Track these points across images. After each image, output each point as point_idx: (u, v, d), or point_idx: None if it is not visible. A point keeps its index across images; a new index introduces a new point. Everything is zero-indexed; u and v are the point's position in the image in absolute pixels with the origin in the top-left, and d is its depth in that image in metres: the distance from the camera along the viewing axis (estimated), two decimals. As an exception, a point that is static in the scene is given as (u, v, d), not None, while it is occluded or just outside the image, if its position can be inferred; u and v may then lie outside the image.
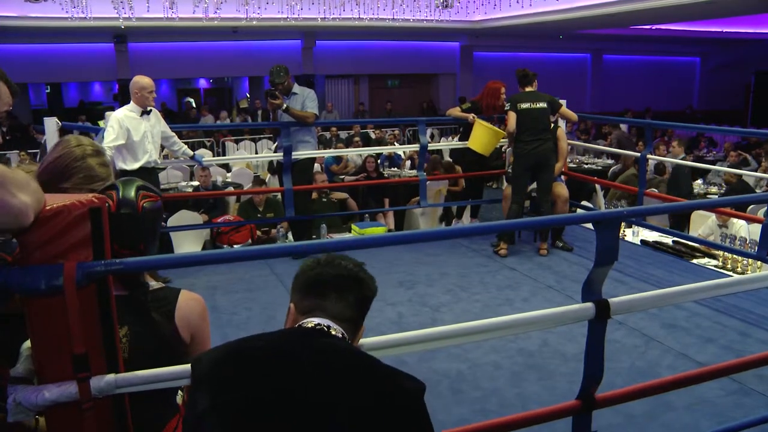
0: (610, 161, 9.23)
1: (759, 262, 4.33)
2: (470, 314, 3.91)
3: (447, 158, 8.25)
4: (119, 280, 1.60)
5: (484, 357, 3.37)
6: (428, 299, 4.22)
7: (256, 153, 11.51)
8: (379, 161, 8.42)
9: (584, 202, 6.55)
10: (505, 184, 5.77)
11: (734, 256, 4.59)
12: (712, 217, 5.34)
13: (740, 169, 7.74)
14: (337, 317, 1.29)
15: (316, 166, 6.79)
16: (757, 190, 7.36)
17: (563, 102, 5.32)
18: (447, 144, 9.19)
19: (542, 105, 5.07)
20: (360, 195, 7.35)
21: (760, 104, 18.19)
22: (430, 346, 2.08)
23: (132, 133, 4.38)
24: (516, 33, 15.53)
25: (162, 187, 6.83)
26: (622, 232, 5.48)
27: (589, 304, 1.96)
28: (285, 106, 4.95)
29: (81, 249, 1.38)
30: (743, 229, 5.01)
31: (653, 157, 5.93)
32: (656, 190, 6.51)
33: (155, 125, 4.55)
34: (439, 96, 17.85)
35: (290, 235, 5.73)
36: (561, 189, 5.31)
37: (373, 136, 11.87)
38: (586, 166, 9.17)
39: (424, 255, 5.08)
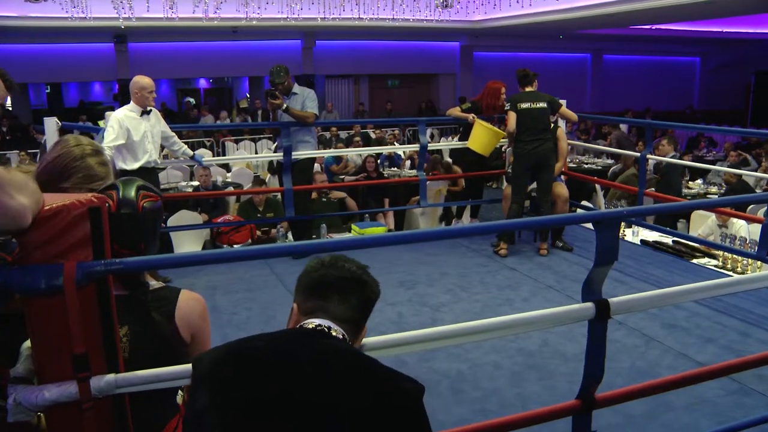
0: (610, 161, 9.23)
1: (759, 262, 4.33)
2: (470, 314, 3.91)
3: (447, 158, 8.25)
4: (119, 280, 1.60)
5: (484, 357, 3.37)
6: (428, 299, 4.22)
7: (256, 153, 11.51)
8: (379, 161, 8.42)
9: (584, 202, 6.55)
10: (505, 184, 5.77)
11: (734, 256, 4.59)
12: (712, 217, 5.34)
13: (740, 169, 7.74)
14: (339, 319, 1.29)
15: (316, 166, 6.79)
16: (757, 190, 7.36)
17: (563, 102, 5.32)
18: (447, 144, 9.19)
19: (542, 105, 5.07)
20: (360, 195, 7.34)
21: (760, 104, 18.18)
22: (430, 346, 2.08)
23: (132, 133, 4.38)
24: (516, 33, 15.53)
25: (162, 187, 6.83)
26: (622, 232, 5.48)
27: (589, 304, 1.96)
28: (285, 106, 4.96)
29: (81, 249, 1.38)
30: (743, 229, 5.01)
31: (653, 157, 5.92)
32: (653, 189, 6.50)
33: (155, 125, 4.55)
34: (439, 96, 17.85)
35: (290, 235, 5.73)
36: (561, 189, 5.31)
37: (373, 136, 11.87)
38: (586, 166, 9.17)
39: (424, 255, 5.08)
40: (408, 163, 9.14)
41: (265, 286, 4.48)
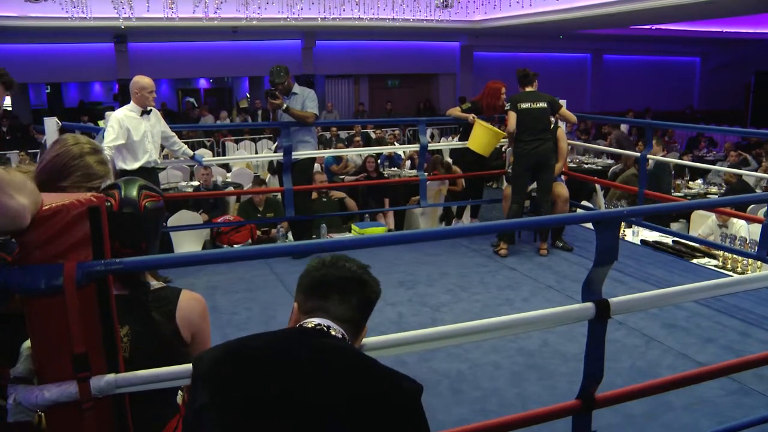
0: (610, 161, 9.23)
1: (759, 262, 4.33)
2: (470, 314, 3.91)
3: (447, 158, 8.25)
4: (120, 280, 1.60)
5: (484, 357, 3.37)
6: (428, 299, 4.22)
7: (256, 153, 11.51)
8: (379, 161, 8.41)
9: (584, 202, 6.55)
10: (505, 184, 5.77)
11: (734, 256, 4.59)
12: (712, 217, 5.34)
13: (740, 169, 7.74)
14: (338, 318, 1.29)
15: (316, 166, 6.79)
16: (757, 190, 7.36)
17: (563, 102, 5.32)
18: (447, 144, 9.18)
19: (542, 105, 5.07)
20: (360, 195, 7.34)
21: (760, 104, 18.18)
22: (430, 346, 2.08)
23: (132, 132, 4.38)
24: (516, 33, 15.53)
25: (162, 187, 6.83)
26: (622, 232, 5.48)
27: (589, 304, 1.96)
28: (285, 106, 4.95)
29: (80, 248, 1.38)
30: (743, 229, 5.01)
31: (653, 157, 5.93)
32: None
33: (155, 125, 4.55)
34: (439, 96, 17.85)
35: (290, 235, 5.73)
36: (561, 189, 5.31)
37: (373, 136, 11.87)
38: (586, 166, 9.17)
39: (424, 255, 5.08)
40: (408, 163, 9.14)
41: (265, 286, 4.48)
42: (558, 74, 16.60)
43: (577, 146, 9.82)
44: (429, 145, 6.04)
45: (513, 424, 2.00)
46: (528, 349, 3.46)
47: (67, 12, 10.50)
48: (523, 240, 5.57)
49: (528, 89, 5.15)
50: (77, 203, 1.37)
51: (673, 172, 7.97)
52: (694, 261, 4.89)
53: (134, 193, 1.61)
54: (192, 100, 17.91)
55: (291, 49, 15.50)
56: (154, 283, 1.69)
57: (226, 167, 8.85)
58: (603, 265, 1.96)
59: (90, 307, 1.41)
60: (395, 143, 11.99)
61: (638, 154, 5.52)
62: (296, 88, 5.14)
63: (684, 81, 20.23)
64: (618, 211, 2.27)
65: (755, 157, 9.54)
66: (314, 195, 6.01)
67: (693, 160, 9.24)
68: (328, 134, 11.38)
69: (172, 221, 5.75)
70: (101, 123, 5.41)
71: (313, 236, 5.41)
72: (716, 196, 7.23)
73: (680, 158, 9.07)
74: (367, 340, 1.68)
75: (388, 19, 12.57)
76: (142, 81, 4.45)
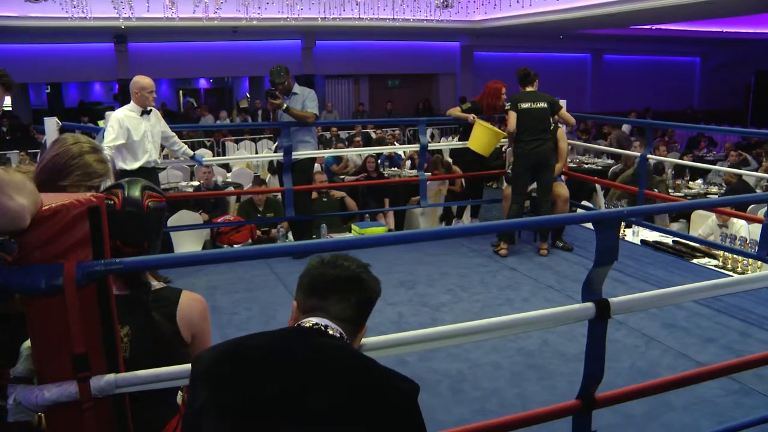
0: (610, 161, 9.23)
1: (759, 262, 4.33)
2: (470, 314, 3.91)
3: (447, 158, 8.25)
4: (121, 280, 1.60)
5: (484, 357, 3.37)
6: (428, 299, 4.22)
7: (256, 153, 11.50)
8: (379, 161, 8.41)
9: (584, 202, 6.55)
10: (505, 184, 5.77)
11: (734, 256, 4.59)
12: (712, 217, 5.34)
13: (740, 169, 7.74)
14: (337, 317, 1.29)
15: (316, 166, 6.79)
16: (757, 190, 7.36)
17: (563, 103, 5.31)
18: (447, 144, 9.18)
19: (543, 105, 5.07)
20: (360, 195, 7.34)
21: (760, 104, 18.17)
22: (430, 346, 2.08)
23: (132, 132, 4.38)
24: (516, 33, 15.53)
25: (162, 187, 6.82)
26: (622, 232, 5.48)
27: (590, 304, 1.96)
28: (285, 106, 4.95)
29: (80, 248, 1.38)
30: (743, 229, 5.01)
31: (653, 156, 5.93)
32: (656, 190, 6.51)
33: (155, 125, 4.55)
34: (439, 96, 17.85)
35: (290, 235, 5.73)
36: (561, 189, 5.31)
37: (373, 135, 11.87)
38: (586, 166, 9.16)
39: (424, 255, 5.08)
40: (408, 163, 9.14)
41: (265, 286, 4.48)
42: (558, 74, 16.59)
43: (577, 146, 9.82)
44: (429, 145, 6.04)
45: (513, 424, 2.00)
46: (528, 349, 3.46)
47: (67, 12, 10.49)
48: (523, 240, 5.57)
49: (528, 89, 5.15)
50: (77, 203, 1.37)
51: (673, 173, 7.98)
52: (694, 261, 4.89)
53: (137, 193, 1.61)
54: (191, 100, 17.91)
55: (291, 49, 15.50)
56: (155, 284, 1.69)
57: (226, 167, 8.84)
58: (603, 265, 1.96)
59: (90, 307, 1.41)
60: (395, 143, 11.99)
61: (638, 154, 5.52)
62: (296, 88, 5.14)
63: (684, 81, 20.23)
64: (618, 211, 2.27)
65: (755, 157, 9.53)
66: (314, 195, 6.01)
67: (693, 160, 9.24)
68: (328, 134, 11.38)
69: (172, 221, 5.75)
70: (101, 123, 5.41)
71: (313, 236, 5.41)
72: (716, 196, 7.23)
73: (680, 158, 9.07)
74: (367, 340, 1.68)
75: (388, 19, 12.57)
76: (142, 81, 4.45)
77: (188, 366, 1.42)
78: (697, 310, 3.93)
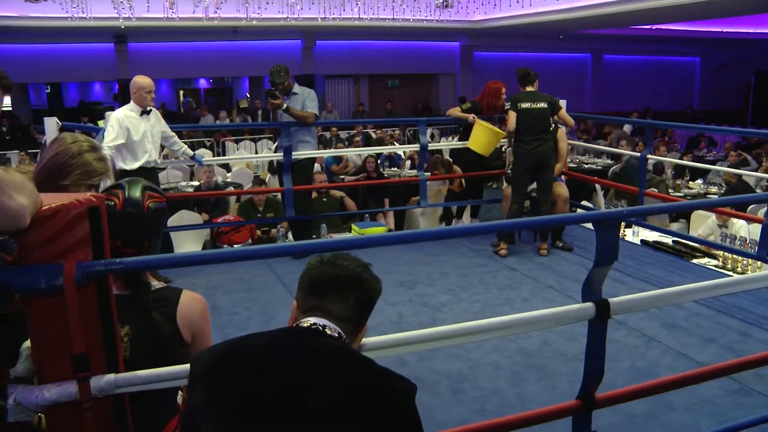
0: (610, 161, 9.23)
1: (759, 262, 4.33)
2: (470, 314, 3.91)
3: (447, 158, 8.24)
4: (122, 280, 1.60)
5: (484, 357, 3.37)
6: (428, 299, 4.22)
7: (256, 153, 11.50)
8: (379, 161, 8.41)
9: (584, 202, 6.55)
10: (505, 184, 5.77)
11: (734, 256, 4.59)
12: (712, 217, 5.34)
13: (740, 169, 7.74)
14: (336, 317, 1.28)
15: (316, 166, 6.79)
16: (758, 190, 7.36)
17: (563, 103, 5.31)
18: (447, 144, 9.18)
19: (543, 105, 5.07)
20: (360, 195, 7.34)
21: (760, 104, 18.17)
22: (430, 346, 2.08)
23: (132, 132, 4.38)
24: (516, 33, 15.53)
25: (162, 187, 6.82)
26: (622, 232, 5.48)
27: (590, 304, 1.96)
28: (285, 106, 4.95)
29: (80, 248, 1.38)
30: (743, 229, 5.01)
31: (653, 156, 5.93)
32: (656, 190, 6.52)
33: (155, 125, 4.56)
34: (439, 96, 17.84)
35: (290, 235, 5.72)
36: (561, 189, 5.31)
37: (373, 135, 11.87)
38: (586, 166, 9.16)
39: (424, 255, 5.08)
40: (408, 163, 9.14)
41: (265, 286, 4.48)
42: (558, 74, 16.59)
43: (577, 146, 9.82)
44: (429, 145, 6.04)
45: (513, 424, 2.00)
46: (528, 349, 3.46)
47: (67, 12, 10.49)
48: (523, 240, 5.57)
49: (528, 89, 5.15)
50: (77, 203, 1.37)
51: (673, 173, 7.98)
52: (694, 261, 4.89)
53: (138, 193, 1.62)
54: (191, 100, 17.91)
55: (291, 49, 15.49)
56: (155, 284, 1.69)
57: (226, 167, 8.84)
58: (603, 265, 1.96)
59: (90, 307, 1.41)
60: (395, 143, 11.99)
61: (638, 154, 5.52)
62: (296, 88, 5.14)
63: (684, 81, 20.22)
64: (618, 211, 2.27)
65: (755, 157, 9.53)
66: (314, 195, 6.01)
67: (693, 160, 9.24)
68: (328, 134, 11.38)
69: (172, 221, 5.75)
70: (101, 123, 5.41)
71: (313, 236, 5.41)
72: (716, 196, 7.23)
73: (680, 158, 9.07)
74: (367, 340, 1.68)
75: (388, 19, 12.56)
76: (141, 81, 4.46)
77: (188, 366, 1.42)
78: (697, 310, 3.93)
